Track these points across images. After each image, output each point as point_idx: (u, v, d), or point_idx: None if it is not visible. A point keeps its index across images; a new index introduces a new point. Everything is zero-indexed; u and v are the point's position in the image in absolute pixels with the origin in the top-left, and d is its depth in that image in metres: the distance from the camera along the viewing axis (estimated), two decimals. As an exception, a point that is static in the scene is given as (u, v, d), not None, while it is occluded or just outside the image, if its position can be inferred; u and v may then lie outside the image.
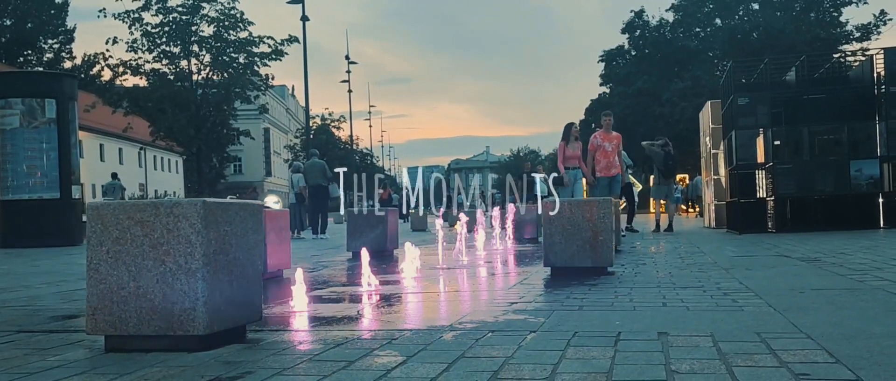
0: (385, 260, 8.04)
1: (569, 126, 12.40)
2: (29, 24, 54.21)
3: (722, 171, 14.71)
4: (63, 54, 56.07)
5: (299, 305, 4.16)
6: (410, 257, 6.13)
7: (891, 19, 46.50)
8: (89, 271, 2.96)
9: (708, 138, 16.07)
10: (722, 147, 14.39)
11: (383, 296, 4.75)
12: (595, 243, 5.55)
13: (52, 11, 55.65)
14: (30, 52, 55.12)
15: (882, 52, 11.70)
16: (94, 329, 2.98)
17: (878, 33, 46.62)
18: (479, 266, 7.01)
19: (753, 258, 6.85)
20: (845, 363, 2.43)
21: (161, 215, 2.91)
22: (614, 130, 12.33)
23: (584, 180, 12.40)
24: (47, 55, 55.67)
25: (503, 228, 10.43)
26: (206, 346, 2.92)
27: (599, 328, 3.25)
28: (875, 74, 11.62)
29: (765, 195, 12.30)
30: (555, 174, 17.89)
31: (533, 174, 17.99)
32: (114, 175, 32.52)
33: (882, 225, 11.33)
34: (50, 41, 56.26)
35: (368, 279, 5.20)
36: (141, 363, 2.70)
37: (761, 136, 12.35)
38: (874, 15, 47.09)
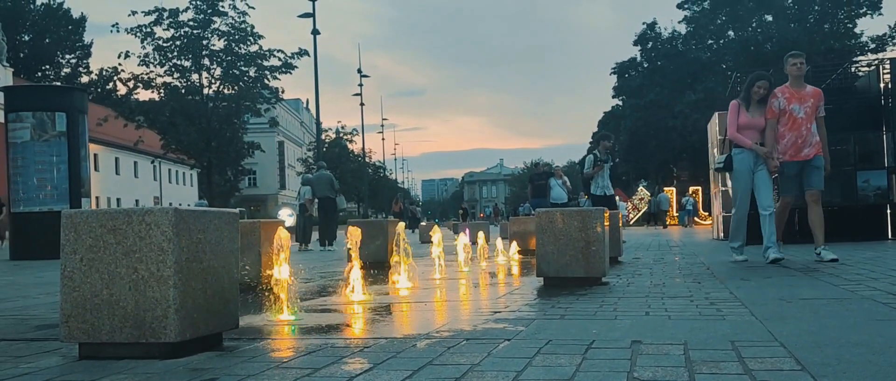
0: (383, 271, 8.03)
1: (754, 79, 7.53)
2: (47, 40, 55.02)
3: (729, 182, 14.62)
4: (80, 69, 56.84)
5: (285, 314, 4.16)
6: (409, 268, 6.14)
7: (906, 30, 46.11)
8: (63, 279, 2.98)
9: (716, 150, 15.97)
10: (729, 158, 14.29)
11: (371, 306, 4.76)
12: (587, 253, 5.53)
13: (70, 27, 56.50)
14: (48, 66, 55.88)
15: (889, 62, 11.62)
16: (68, 337, 3.00)
17: (894, 44, 46.26)
18: (476, 277, 7.00)
19: (751, 269, 6.79)
20: (810, 370, 2.40)
21: (133, 222, 2.93)
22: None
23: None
24: (65, 70, 56.43)
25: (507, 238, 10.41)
26: (178, 353, 2.93)
27: (575, 336, 3.24)
28: (882, 85, 11.53)
29: (771, 206, 12.19)
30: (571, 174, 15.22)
31: (550, 178, 17.03)
32: (201, 196, 32.67)
33: (890, 236, 11.22)
34: (67, 56, 57.05)
35: (360, 290, 5.22)
36: (109, 371, 2.72)
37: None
38: (889, 26, 46.70)
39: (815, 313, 3.76)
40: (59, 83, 46.96)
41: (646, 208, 42.48)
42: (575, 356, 2.77)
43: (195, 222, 3.03)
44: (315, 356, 2.93)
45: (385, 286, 6.16)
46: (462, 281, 6.53)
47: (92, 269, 2.96)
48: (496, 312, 4.19)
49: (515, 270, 7.89)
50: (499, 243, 10.27)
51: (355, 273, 5.21)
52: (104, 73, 33.76)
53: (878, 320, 3.44)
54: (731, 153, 7.64)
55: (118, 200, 48.97)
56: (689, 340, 3.04)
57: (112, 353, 2.95)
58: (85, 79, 54.57)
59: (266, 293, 5.74)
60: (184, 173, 60.37)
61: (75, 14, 56.73)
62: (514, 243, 10.71)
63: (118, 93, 34.82)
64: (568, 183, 17.27)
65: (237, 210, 3.41)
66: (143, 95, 31.70)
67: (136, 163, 52.38)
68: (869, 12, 47.05)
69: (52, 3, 55.51)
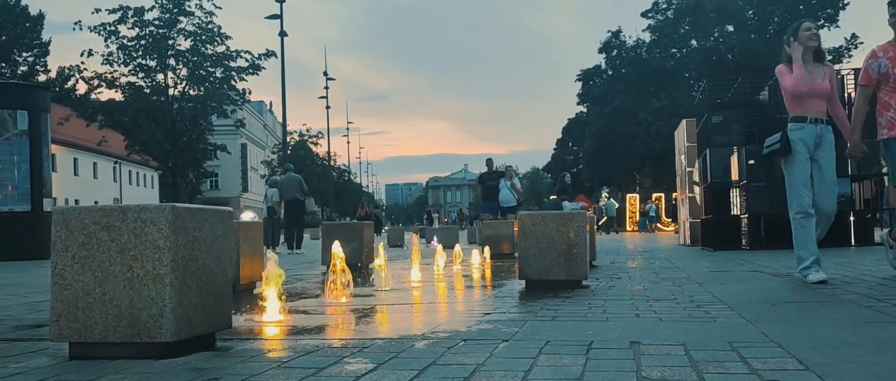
0: (360, 274, 7.98)
1: (798, 26, 5.65)
2: (3, 37, 53.62)
3: (697, 188, 14.83)
4: (38, 67, 55.49)
5: (271, 315, 4.10)
6: (385, 270, 6.12)
7: (862, 43, 47.28)
8: (54, 278, 2.90)
9: (683, 156, 16.19)
10: (697, 165, 14.51)
11: (356, 308, 4.72)
12: (569, 256, 5.54)
13: (28, 24, 55.10)
14: (4, 65, 54.45)
15: (852, 72, 11.88)
16: (58, 336, 2.91)
17: (850, 56, 47.38)
18: (454, 280, 6.98)
19: (727, 273, 6.89)
20: (814, 369, 2.43)
21: (128, 220, 2.86)
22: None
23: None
24: (22, 68, 55.05)
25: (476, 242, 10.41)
26: (173, 353, 2.87)
27: (572, 337, 3.24)
28: (846, 95, 11.78)
29: (739, 213, 12.41)
30: (562, 182, 14.18)
31: (500, 178, 15.78)
32: (161, 200, 32.10)
33: (853, 243, 11.46)
34: (24, 54, 55.67)
35: (342, 291, 5.17)
36: (105, 371, 2.65)
37: (735, 154, 12.48)
38: (845, 39, 47.95)
39: (803, 315, 3.82)
40: (14, 80, 45.82)
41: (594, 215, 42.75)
42: (578, 356, 2.77)
43: (191, 220, 2.97)
44: (314, 356, 2.89)
45: (365, 289, 6.12)
46: (442, 284, 6.51)
47: (84, 267, 2.88)
48: (486, 313, 4.18)
49: (492, 273, 7.88)
50: (474, 250, 10.26)
51: (335, 275, 5.16)
52: (67, 71, 33.06)
53: (866, 322, 3.51)
54: (787, 131, 5.60)
55: (76, 200, 47.86)
56: (686, 341, 3.06)
57: (104, 353, 2.87)
58: (42, 77, 53.35)
59: (248, 294, 5.66)
60: (144, 175, 59.36)
61: (33, 11, 55.41)
62: (487, 248, 10.72)
63: (77, 92, 34.09)
64: (518, 186, 16.40)
65: (230, 209, 3.35)
66: (107, 94, 31.17)
67: (95, 164, 51.37)
68: (827, 25, 48.16)
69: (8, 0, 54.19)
